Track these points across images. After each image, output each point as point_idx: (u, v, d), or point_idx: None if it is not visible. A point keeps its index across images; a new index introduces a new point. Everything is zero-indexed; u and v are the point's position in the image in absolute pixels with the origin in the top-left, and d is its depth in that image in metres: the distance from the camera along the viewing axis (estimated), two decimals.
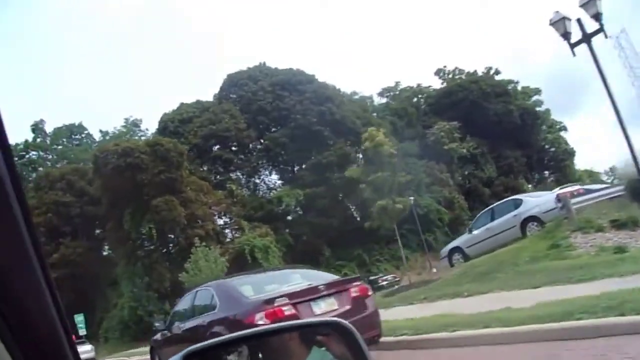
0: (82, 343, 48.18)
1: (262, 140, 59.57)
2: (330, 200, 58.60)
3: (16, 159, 62.02)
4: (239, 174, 58.61)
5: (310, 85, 61.88)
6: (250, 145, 60.09)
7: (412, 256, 63.02)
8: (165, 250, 51.78)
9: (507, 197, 54.63)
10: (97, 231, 64.65)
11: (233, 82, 63.64)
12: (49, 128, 74.40)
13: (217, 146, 58.52)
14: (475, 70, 74.28)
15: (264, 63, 64.31)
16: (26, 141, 71.16)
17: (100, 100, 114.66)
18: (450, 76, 77.53)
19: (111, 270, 64.03)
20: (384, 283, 50.74)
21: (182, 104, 60.80)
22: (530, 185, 72.11)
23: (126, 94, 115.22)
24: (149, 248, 53.15)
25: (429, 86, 77.13)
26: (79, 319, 55.51)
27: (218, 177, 57.22)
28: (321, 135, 59.56)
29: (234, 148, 58.77)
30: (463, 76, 76.30)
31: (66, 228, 60.04)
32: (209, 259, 47.49)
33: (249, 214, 56.77)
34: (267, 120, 60.03)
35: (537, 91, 74.70)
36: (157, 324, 13.94)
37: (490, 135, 69.99)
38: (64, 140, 75.26)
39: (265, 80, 62.49)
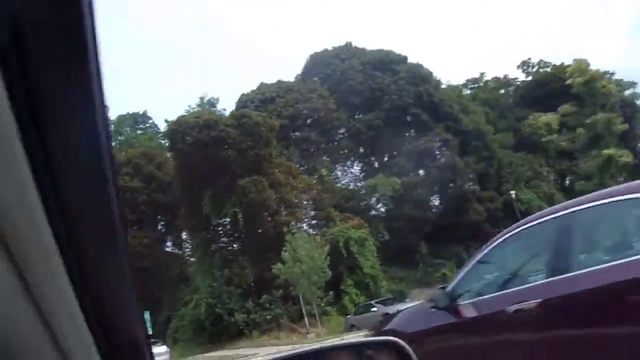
0: (156, 344, 37.82)
1: (354, 122, 49.00)
2: (427, 191, 47.77)
3: None
4: (326, 158, 47.87)
5: (404, 65, 51.45)
6: (340, 129, 49.50)
7: None
8: (249, 239, 41.05)
9: None
10: (161, 224, 54.32)
11: (318, 61, 53.37)
12: (112, 115, 64.56)
13: (304, 127, 48.04)
14: (562, 63, 63.35)
15: (350, 43, 54.14)
16: None
17: (166, 88, 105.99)
18: (535, 69, 66.75)
19: (177, 265, 53.78)
20: None
21: (262, 83, 50.52)
22: None
23: (195, 80, 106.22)
24: (230, 237, 42.58)
25: (515, 78, 66.44)
26: (145, 317, 45.06)
27: (304, 160, 46.42)
28: (418, 119, 49.02)
29: (324, 130, 48.14)
30: (548, 69, 65.43)
31: (132, 216, 49.76)
32: (309, 248, 36.90)
33: (339, 203, 46.10)
34: (358, 101, 49.58)
35: (632, 84, 63.50)
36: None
37: (588, 128, 58.94)
38: (127, 129, 65.41)
39: (354, 59, 52.16)
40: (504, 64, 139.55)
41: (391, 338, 2.30)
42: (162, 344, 37.88)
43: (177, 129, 40.90)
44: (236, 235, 41.89)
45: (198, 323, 42.14)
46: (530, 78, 65.82)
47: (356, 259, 42.06)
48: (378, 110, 48.77)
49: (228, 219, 40.44)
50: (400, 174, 47.29)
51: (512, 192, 49.75)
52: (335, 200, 45.83)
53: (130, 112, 66.32)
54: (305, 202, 42.44)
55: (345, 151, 48.44)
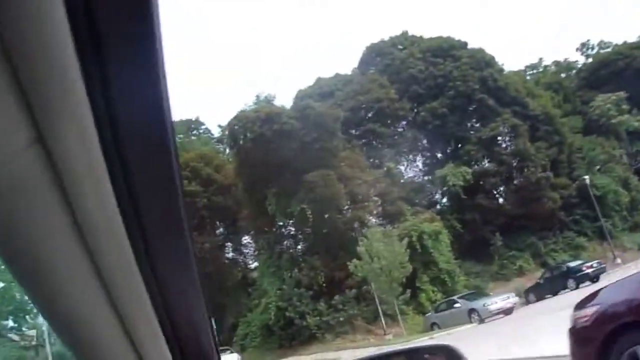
0: (225, 352, 34.91)
1: (417, 112, 45.37)
2: (499, 180, 43.89)
3: None
4: (390, 150, 44.32)
5: (465, 51, 47.68)
6: (404, 120, 45.91)
7: (589, 245, 47.63)
8: (318, 237, 37.78)
9: None
10: (221, 228, 51.44)
11: (375, 52, 49.93)
12: None
13: (367, 119, 44.60)
14: (625, 41, 58.70)
15: (407, 32, 50.62)
16: None
17: (218, 93, 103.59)
18: (595, 50, 62.26)
19: (239, 270, 50.93)
20: (589, 271, 35.93)
21: (319, 78, 47.31)
22: None
23: (248, 81, 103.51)
24: (297, 236, 39.42)
25: (576, 61, 62.02)
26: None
27: (368, 154, 42.91)
28: (485, 105, 45.14)
29: (387, 121, 44.65)
30: (610, 49, 60.83)
31: (192, 221, 47.11)
32: (389, 242, 33.50)
33: (408, 196, 42.58)
34: (421, 90, 45.99)
35: None
36: None
37: None
38: (181, 135, 62.85)
39: (413, 47, 48.62)
40: (560, 48, 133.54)
41: (445, 343, 2.33)
42: (232, 352, 34.89)
43: (237, 124, 38.00)
44: (304, 234, 38.66)
45: (267, 328, 39.07)
46: (590, 60, 61.35)
47: (431, 254, 38.46)
48: (442, 98, 45.11)
49: (294, 218, 37.21)
50: (469, 163, 43.57)
51: (586, 177, 45.51)
52: (404, 193, 42.32)
53: (183, 118, 63.99)
54: (374, 197, 38.95)
55: (411, 142, 44.80)
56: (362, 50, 51.32)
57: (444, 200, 43.20)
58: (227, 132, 38.50)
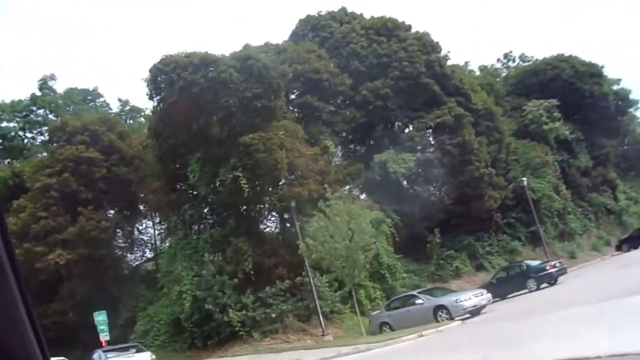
0: (131, 350, 25.92)
1: (358, 90, 38.38)
2: (443, 172, 37.84)
3: (20, 116, 36.60)
4: (327, 128, 36.88)
5: (411, 33, 41.59)
6: (342, 96, 38.63)
7: (523, 249, 42.82)
8: (251, 215, 29.65)
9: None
10: (119, 205, 41.36)
11: (311, 25, 42.57)
12: (59, 88, 51.49)
13: (303, 90, 36.94)
14: (545, 58, 55.67)
15: (345, 8, 43.83)
16: (33, 95, 47.94)
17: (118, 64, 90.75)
18: (516, 63, 58.97)
19: (143, 253, 41.56)
20: (552, 270, 30.56)
21: (246, 44, 39.20)
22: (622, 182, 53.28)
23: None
24: (224, 212, 30.84)
25: (501, 68, 58.27)
26: (100, 318, 32.63)
27: (306, 128, 35.14)
28: (430, 90, 39.20)
29: (325, 95, 37.17)
30: (530, 62, 57.76)
31: (88, 194, 37.15)
32: (354, 217, 25.94)
33: (345, 180, 35.51)
34: (362, 67, 39.19)
35: (617, 81, 56.44)
36: None
37: (584, 120, 51.20)
38: (74, 106, 52.20)
39: (354, 22, 41.85)
40: (481, 55, 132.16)
41: None
42: (140, 351, 25.69)
43: (162, 70, 29.09)
44: (231, 209, 30.26)
45: (176, 323, 30.20)
46: (512, 69, 57.92)
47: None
48: (386, 78, 38.61)
49: (222, 189, 28.79)
50: (412, 149, 37.22)
51: (524, 178, 40.80)
52: (341, 175, 35.16)
53: (80, 87, 53.46)
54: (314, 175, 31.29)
55: (349, 122, 37.69)
56: (295, 22, 43.94)
57: (381, 188, 36.15)
58: (147, 81, 29.30)
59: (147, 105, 57.18)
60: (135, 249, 42.61)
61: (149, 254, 43.10)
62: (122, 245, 40.24)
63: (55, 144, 38.75)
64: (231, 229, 29.93)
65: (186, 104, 28.44)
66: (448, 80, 40.23)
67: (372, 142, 40.11)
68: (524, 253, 42.01)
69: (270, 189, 28.96)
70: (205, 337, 29.25)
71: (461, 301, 25.52)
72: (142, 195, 38.98)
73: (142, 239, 42.88)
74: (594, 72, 52.08)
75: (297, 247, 29.95)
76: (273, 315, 28.50)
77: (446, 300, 26.17)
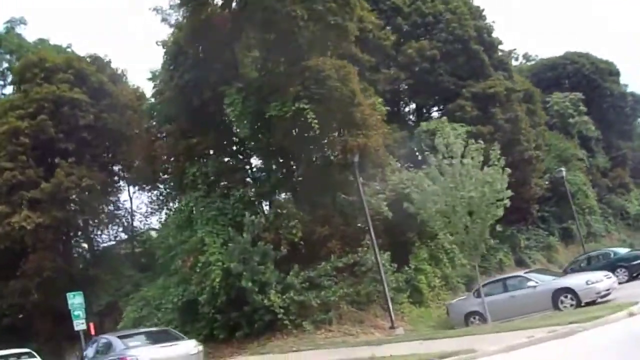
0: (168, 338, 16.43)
1: (402, 48, 30.87)
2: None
3: None
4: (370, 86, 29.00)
5: None
6: (387, 53, 30.75)
7: (559, 247, 36.21)
8: (307, 166, 21.28)
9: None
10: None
11: None
12: (30, 36, 41.06)
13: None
14: (552, 57, 50.18)
15: None
16: None
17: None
18: (520, 61, 53.18)
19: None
20: None
21: None
22: None
23: None
24: (266, 163, 22.16)
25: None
26: (76, 300, 23.17)
27: None
28: (479, 59, 32.19)
29: (369, 48, 29.20)
30: (534, 62, 52.18)
31: (68, 144, 27.65)
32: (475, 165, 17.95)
33: (391, 147, 27.73)
34: (406, 25, 31.82)
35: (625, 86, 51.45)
36: None
37: (602, 119, 45.58)
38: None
39: None
40: None
41: None
42: (178, 339, 16.55)
43: None
44: (278, 157, 21.77)
45: (191, 308, 21.15)
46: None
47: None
48: (433, 40, 31.37)
49: (270, 128, 20.34)
50: (463, 120, 29.91)
51: (563, 169, 34.57)
52: (390, 140, 27.37)
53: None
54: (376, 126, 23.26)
55: (393, 82, 30.07)
56: None
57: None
58: None
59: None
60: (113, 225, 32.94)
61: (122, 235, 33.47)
62: (103, 214, 30.56)
63: (25, 83, 28.90)
64: (273, 185, 21.43)
65: (228, 16, 20.07)
66: (494, 51, 33.43)
67: (416, 108, 32.60)
68: (560, 251, 35.52)
69: (336, 134, 20.66)
70: (232, 326, 20.45)
71: (592, 283, 18.14)
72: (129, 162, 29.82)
73: (119, 214, 33.20)
74: (612, 70, 46.90)
75: (353, 214, 22.13)
76: (331, 298, 20.15)
77: (573, 281, 18.73)
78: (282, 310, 19.61)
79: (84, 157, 28.20)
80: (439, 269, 25.22)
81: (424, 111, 33.12)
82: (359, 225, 22.39)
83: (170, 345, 13.50)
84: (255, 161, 23.10)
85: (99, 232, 30.78)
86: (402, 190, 23.50)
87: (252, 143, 21.43)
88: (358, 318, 21.11)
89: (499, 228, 31.76)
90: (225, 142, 22.64)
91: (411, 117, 33.75)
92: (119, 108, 28.90)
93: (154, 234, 32.19)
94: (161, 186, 28.13)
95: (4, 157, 26.63)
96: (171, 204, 27.51)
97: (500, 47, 34.56)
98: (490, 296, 19.66)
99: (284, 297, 19.84)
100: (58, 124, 27.32)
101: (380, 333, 20.08)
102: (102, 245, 31.23)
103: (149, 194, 29.58)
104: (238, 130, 20.85)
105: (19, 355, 23.04)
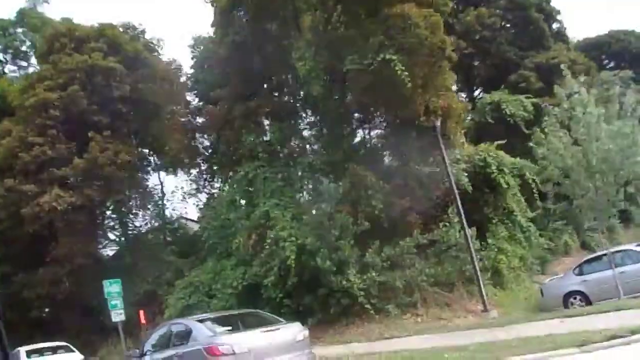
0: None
1: (460, 18, 28.16)
2: None
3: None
4: None
5: None
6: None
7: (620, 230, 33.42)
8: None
9: None
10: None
11: None
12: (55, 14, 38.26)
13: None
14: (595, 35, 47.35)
15: None
16: (21, 12, 34.58)
17: None
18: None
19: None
20: None
21: None
22: None
23: None
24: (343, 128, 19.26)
25: None
26: (113, 288, 20.59)
27: None
28: (539, 28, 29.64)
29: None
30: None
31: (101, 117, 24.84)
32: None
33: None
34: None
35: None
36: None
37: None
38: None
39: None
40: None
41: None
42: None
43: None
44: (353, 123, 19.03)
45: (253, 293, 18.37)
46: None
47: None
48: (490, 7, 28.77)
49: (334, 94, 17.58)
50: (527, 92, 27.21)
51: None
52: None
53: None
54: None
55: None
56: None
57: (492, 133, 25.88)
58: None
59: None
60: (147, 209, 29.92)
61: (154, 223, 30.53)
62: (137, 195, 27.75)
63: (56, 55, 26.09)
64: (345, 151, 18.66)
65: None
66: (553, 21, 30.83)
67: (477, 78, 29.93)
68: (621, 233, 32.77)
69: (420, 91, 17.90)
70: (302, 312, 17.68)
71: None
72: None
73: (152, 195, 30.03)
74: None
75: (430, 186, 19.47)
76: (418, 280, 17.43)
77: None
78: (362, 293, 16.88)
79: (119, 132, 25.40)
80: (516, 249, 22.53)
81: (485, 82, 30.41)
82: (437, 198, 19.69)
83: (271, 330, 10.45)
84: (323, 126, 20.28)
85: (131, 217, 28.00)
86: (478, 162, 21.10)
87: (322, 104, 18.58)
88: (444, 301, 18.36)
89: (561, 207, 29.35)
90: (289, 105, 19.81)
91: (474, 88, 31.02)
92: (157, 80, 26.10)
93: (192, 218, 29.48)
94: (203, 164, 25.35)
95: (32, 132, 23.84)
96: (215, 183, 24.89)
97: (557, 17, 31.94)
98: (592, 274, 16.94)
99: (364, 277, 17.16)
100: (90, 96, 24.53)
101: (474, 317, 17.35)
102: (135, 230, 28.45)
103: (187, 176, 26.72)
104: (309, 88, 18.05)
105: (55, 349, 20.34)
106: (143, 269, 25.67)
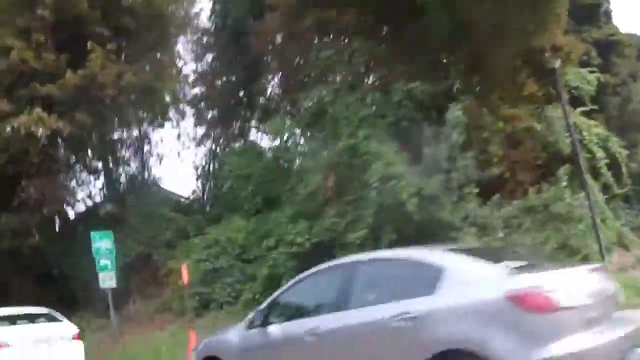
0: None
1: None
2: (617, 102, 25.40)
3: None
4: None
5: None
6: None
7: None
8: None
9: None
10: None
11: None
12: None
13: None
14: None
15: None
16: None
17: None
18: None
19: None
20: None
21: None
22: None
23: None
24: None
25: None
26: (101, 243, 15.24)
27: None
28: (594, 4, 26.78)
29: None
30: None
31: (103, 29, 19.05)
32: None
33: None
34: None
35: None
36: None
37: None
38: None
39: None
40: None
41: None
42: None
43: None
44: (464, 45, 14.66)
45: (319, 251, 13.63)
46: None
47: None
48: None
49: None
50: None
51: None
52: None
53: None
54: None
55: None
56: None
57: None
58: None
59: None
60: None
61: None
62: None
63: None
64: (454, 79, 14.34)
65: None
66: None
67: None
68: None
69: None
70: None
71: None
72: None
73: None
74: None
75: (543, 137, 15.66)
76: (543, 247, 13.42)
77: None
78: None
79: (124, 50, 19.79)
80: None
81: None
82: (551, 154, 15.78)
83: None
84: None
85: (125, 159, 22.10)
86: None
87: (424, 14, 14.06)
88: None
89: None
90: (376, 15, 15.13)
91: None
92: None
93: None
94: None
95: (9, 32, 17.88)
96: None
97: None
98: None
99: (482, 239, 12.92)
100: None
101: None
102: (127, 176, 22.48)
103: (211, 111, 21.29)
104: None
105: (34, 316, 14.34)
106: (135, 226, 20.06)
